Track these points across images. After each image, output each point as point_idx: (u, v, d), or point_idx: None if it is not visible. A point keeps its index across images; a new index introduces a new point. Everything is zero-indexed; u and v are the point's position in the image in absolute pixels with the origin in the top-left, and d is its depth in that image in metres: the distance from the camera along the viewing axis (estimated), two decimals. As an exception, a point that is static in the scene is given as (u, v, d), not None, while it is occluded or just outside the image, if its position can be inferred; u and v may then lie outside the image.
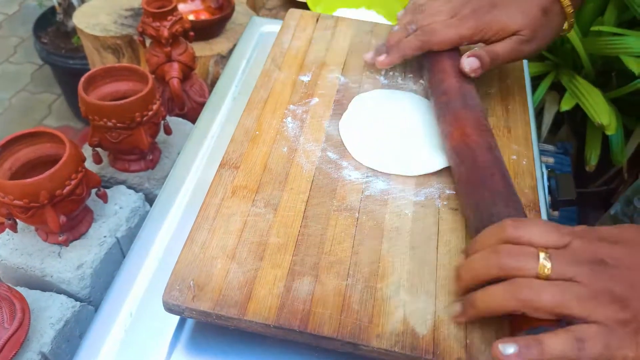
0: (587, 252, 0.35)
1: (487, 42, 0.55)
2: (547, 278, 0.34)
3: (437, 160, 0.52)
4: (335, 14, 1.00)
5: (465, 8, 0.55)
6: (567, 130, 1.33)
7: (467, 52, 0.54)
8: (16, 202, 0.51)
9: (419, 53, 0.57)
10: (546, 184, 0.62)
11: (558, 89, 1.26)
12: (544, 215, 0.53)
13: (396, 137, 0.54)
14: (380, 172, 0.51)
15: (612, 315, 0.33)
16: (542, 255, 0.35)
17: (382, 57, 0.58)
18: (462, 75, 0.54)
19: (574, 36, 1.15)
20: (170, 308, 0.41)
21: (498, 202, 0.43)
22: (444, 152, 0.52)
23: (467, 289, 0.39)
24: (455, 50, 0.57)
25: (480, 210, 0.44)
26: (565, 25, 0.56)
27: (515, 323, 0.38)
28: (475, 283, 0.38)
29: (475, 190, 0.45)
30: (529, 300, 0.34)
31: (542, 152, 0.93)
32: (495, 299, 0.36)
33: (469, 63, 0.54)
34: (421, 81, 0.62)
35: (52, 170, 0.51)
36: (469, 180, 0.46)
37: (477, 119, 0.50)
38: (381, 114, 0.56)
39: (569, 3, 0.54)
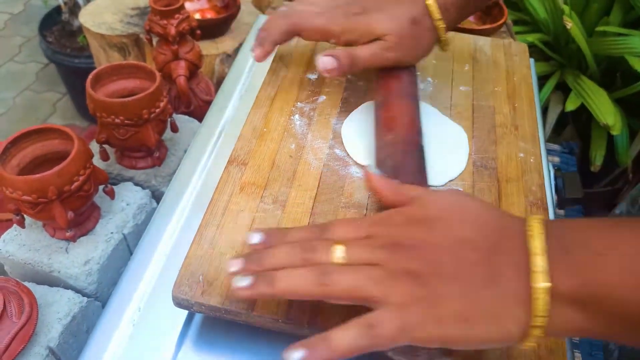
0: (385, 237, 0.35)
1: (354, 44, 0.54)
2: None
3: (445, 173, 0.52)
4: (341, 13, 1.00)
5: (337, 9, 0.54)
6: (572, 130, 1.33)
7: (324, 51, 0.53)
8: (25, 197, 0.51)
9: (288, 38, 0.56)
10: (553, 182, 0.62)
11: (563, 89, 1.26)
12: (550, 213, 0.53)
13: None
14: None
15: (408, 292, 0.32)
16: (338, 247, 0.35)
17: (256, 51, 0.56)
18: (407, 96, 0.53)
19: (579, 36, 1.15)
20: (179, 302, 0.41)
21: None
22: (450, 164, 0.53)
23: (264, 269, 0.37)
24: (404, 73, 0.55)
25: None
26: (440, 42, 0.55)
27: None
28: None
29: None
30: (326, 285, 0.34)
31: (548, 152, 0.93)
32: (297, 281, 0.34)
33: (323, 62, 0.52)
34: (429, 78, 0.62)
35: (61, 165, 0.51)
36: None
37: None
38: None
39: (439, 17, 0.52)
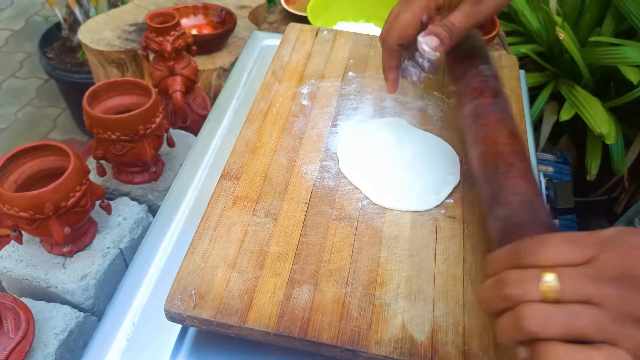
0: (616, 266, 0.29)
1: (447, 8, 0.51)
2: (556, 301, 0.29)
3: (433, 198, 0.51)
4: (336, 27, 1.01)
5: None
6: (568, 140, 1.33)
7: (422, 32, 0.50)
8: (22, 213, 0.52)
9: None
10: (544, 192, 0.63)
11: (557, 99, 1.27)
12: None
13: (395, 172, 0.54)
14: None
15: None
16: (548, 276, 0.29)
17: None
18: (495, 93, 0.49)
19: (572, 47, 1.16)
20: (172, 317, 0.42)
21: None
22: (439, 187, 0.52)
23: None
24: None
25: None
26: None
27: None
28: (490, 314, 0.33)
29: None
30: (535, 332, 0.29)
31: (542, 162, 0.93)
32: (503, 333, 0.30)
33: (426, 42, 0.49)
34: (420, 92, 0.63)
35: (57, 182, 0.52)
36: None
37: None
38: (377, 145, 0.56)
39: None
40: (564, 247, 0.30)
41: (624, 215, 0.76)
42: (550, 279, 0.29)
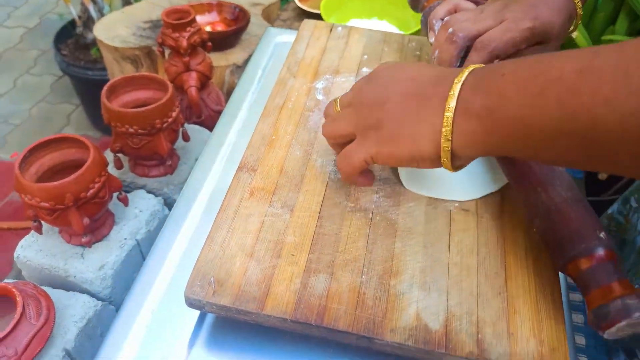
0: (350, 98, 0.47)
1: (541, 41, 0.51)
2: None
3: (477, 188, 0.51)
4: (349, 24, 1.02)
5: (510, 11, 0.51)
6: (579, 139, 1.33)
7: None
8: (42, 204, 0.53)
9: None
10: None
11: (569, 98, 1.27)
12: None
13: None
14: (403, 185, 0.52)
15: (362, 123, 0.43)
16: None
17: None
18: None
19: (585, 45, 1.16)
20: (191, 303, 0.43)
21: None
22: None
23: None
24: None
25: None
26: (571, 27, 0.55)
27: (590, 300, 0.38)
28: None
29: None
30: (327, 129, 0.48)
31: (554, 159, 0.93)
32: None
33: None
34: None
35: (78, 173, 0.53)
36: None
37: None
38: None
39: (580, 5, 0.53)
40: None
41: (622, 195, 0.75)
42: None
